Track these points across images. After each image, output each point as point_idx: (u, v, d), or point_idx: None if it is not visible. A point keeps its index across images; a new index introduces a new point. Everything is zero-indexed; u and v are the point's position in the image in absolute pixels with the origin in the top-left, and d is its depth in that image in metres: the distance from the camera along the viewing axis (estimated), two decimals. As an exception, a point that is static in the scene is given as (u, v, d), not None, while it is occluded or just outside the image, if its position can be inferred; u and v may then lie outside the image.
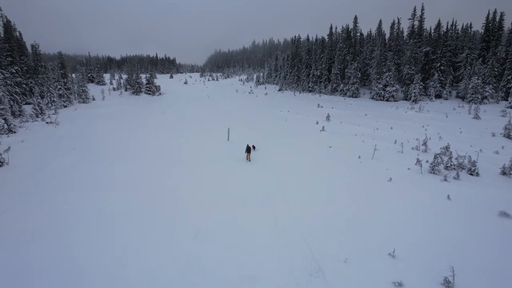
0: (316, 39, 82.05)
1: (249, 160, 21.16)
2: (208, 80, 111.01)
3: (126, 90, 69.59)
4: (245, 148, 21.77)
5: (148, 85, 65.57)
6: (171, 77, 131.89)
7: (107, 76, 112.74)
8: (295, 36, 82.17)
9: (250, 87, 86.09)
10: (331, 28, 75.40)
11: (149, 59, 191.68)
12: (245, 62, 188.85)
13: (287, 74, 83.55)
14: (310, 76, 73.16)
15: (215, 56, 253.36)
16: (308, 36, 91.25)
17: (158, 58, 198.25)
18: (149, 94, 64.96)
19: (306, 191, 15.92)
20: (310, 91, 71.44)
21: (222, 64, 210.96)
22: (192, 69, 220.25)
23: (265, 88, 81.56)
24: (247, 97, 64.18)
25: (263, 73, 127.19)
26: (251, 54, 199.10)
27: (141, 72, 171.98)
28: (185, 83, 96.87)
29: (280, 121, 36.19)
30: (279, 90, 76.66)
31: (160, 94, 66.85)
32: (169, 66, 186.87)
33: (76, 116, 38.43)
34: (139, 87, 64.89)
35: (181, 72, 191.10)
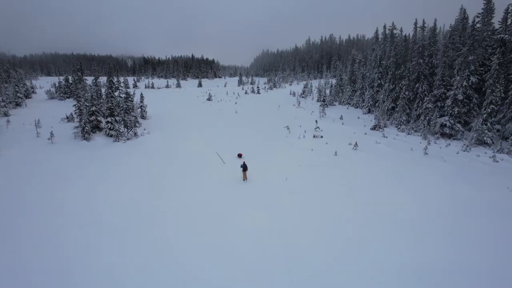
0: (463, 31, 41.37)
1: (245, 179, 19.72)
2: (246, 92, 76.49)
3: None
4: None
5: (112, 118, 32.67)
6: (200, 85, 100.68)
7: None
8: (385, 28, 42.83)
9: (312, 112, 49.03)
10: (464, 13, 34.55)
11: (184, 61, 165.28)
12: (298, 65, 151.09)
13: (387, 94, 44.35)
14: (451, 101, 33.44)
15: (262, 57, 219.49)
16: (421, 23, 50.46)
17: (195, 58, 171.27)
18: (116, 138, 32.12)
19: None
20: (450, 137, 31.77)
21: (269, 67, 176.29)
22: (234, 72, 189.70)
23: (341, 118, 43.72)
24: (320, 155, 27.37)
25: (325, 82, 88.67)
26: (305, 55, 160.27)
27: (172, 76, 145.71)
28: (208, 99, 63.43)
29: None
30: (375, 127, 38.05)
31: (142, 132, 33.69)
32: (205, 68, 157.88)
33: None
34: (96, 120, 32.61)
35: (219, 77, 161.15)
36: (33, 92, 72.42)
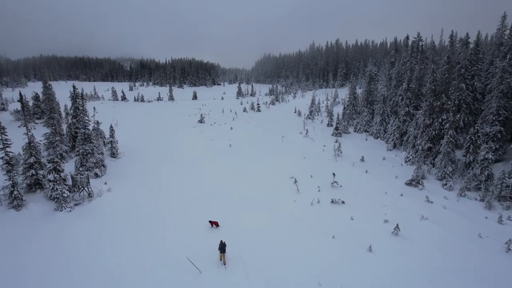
0: None
1: (224, 264, 16.23)
2: (245, 110, 67.41)
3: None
4: None
5: (55, 175, 23.73)
6: (195, 97, 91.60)
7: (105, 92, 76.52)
8: (408, 39, 33.86)
9: (323, 146, 39.91)
10: None
11: (182, 66, 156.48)
12: (301, 72, 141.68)
13: (421, 130, 34.89)
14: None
15: (264, 61, 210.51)
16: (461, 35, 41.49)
17: (193, 63, 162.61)
18: (59, 205, 23.18)
19: None
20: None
21: (271, 72, 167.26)
22: (235, 77, 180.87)
23: (362, 159, 34.57)
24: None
25: (333, 94, 79.62)
26: (310, 61, 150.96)
27: (168, 83, 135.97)
28: (200, 121, 54.51)
29: None
30: (412, 182, 28.47)
31: (100, 191, 24.74)
32: (203, 75, 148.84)
33: None
34: (36, 174, 23.88)
35: (218, 84, 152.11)
36: (3, 109, 63.34)
